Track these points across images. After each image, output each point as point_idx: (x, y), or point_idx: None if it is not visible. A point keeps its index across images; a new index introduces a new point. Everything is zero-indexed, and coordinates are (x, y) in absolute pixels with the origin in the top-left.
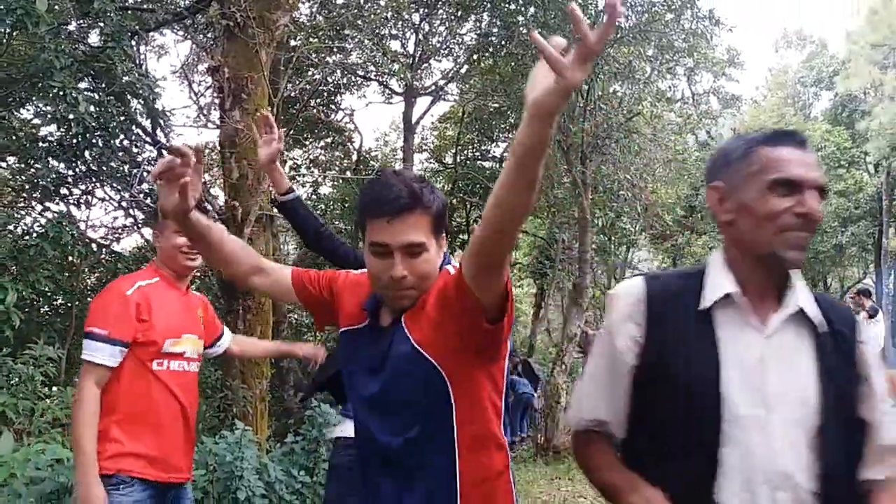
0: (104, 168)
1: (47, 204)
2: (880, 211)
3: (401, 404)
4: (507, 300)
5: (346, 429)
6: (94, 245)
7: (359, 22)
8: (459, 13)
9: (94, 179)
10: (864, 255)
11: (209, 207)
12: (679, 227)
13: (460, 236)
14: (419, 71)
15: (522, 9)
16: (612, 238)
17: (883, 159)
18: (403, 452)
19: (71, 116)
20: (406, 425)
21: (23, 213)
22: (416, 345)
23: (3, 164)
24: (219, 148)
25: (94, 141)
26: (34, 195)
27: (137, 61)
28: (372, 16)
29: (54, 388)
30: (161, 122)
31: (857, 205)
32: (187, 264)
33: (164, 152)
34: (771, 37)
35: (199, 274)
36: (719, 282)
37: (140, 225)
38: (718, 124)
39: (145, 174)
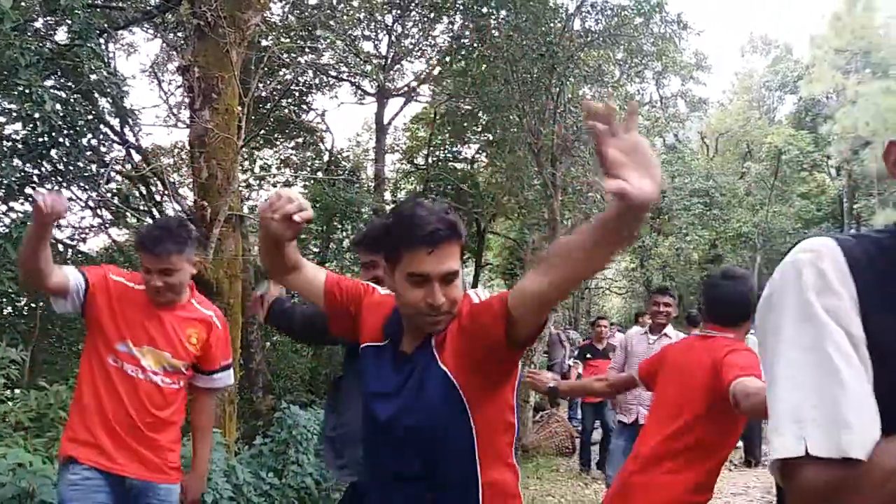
0: (71, 168)
1: (11, 204)
2: (842, 213)
3: (417, 430)
4: (539, 330)
5: None
6: (60, 245)
7: (331, 22)
8: (432, 15)
9: (60, 179)
10: None
11: (178, 207)
12: (646, 228)
13: None
14: (391, 72)
15: (494, 11)
16: None
17: (844, 163)
18: (421, 474)
19: (36, 115)
20: (420, 451)
21: None
22: (445, 370)
23: None
24: (188, 148)
25: (60, 140)
26: None
27: (106, 60)
28: (344, 16)
29: (17, 391)
30: (130, 121)
31: (820, 207)
32: (153, 297)
33: (133, 152)
34: (738, 41)
35: None
36: None
37: (107, 225)
38: (685, 127)
39: (113, 174)
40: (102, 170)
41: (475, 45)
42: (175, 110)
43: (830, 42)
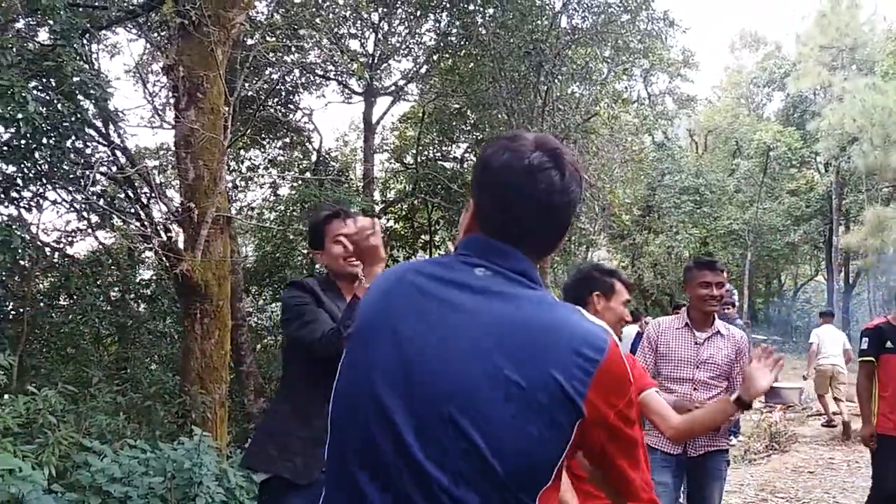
0: (56, 170)
1: None
2: (830, 209)
3: None
4: None
5: None
6: (46, 249)
7: (317, 21)
8: (418, 13)
9: (45, 181)
10: (815, 252)
11: (164, 209)
12: (636, 226)
13: (422, 237)
14: (379, 71)
15: (481, 9)
16: (572, 238)
17: (832, 159)
18: None
19: (20, 116)
20: None
21: None
22: None
23: None
24: (174, 149)
25: (44, 142)
26: None
27: (89, 60)
28: (330, 15)
29: (6, 397)
30: (114, 122)
31: (809, 203)
32: None
33: (119, 153)
34: (725, 38)
35: (154, 277)
36: None
37: (94, 228)
38: (674, 125)
39: (98, 176)
40: (87, 172)
41: (462, 42)
42: (160, 111)
43: (816, 39)
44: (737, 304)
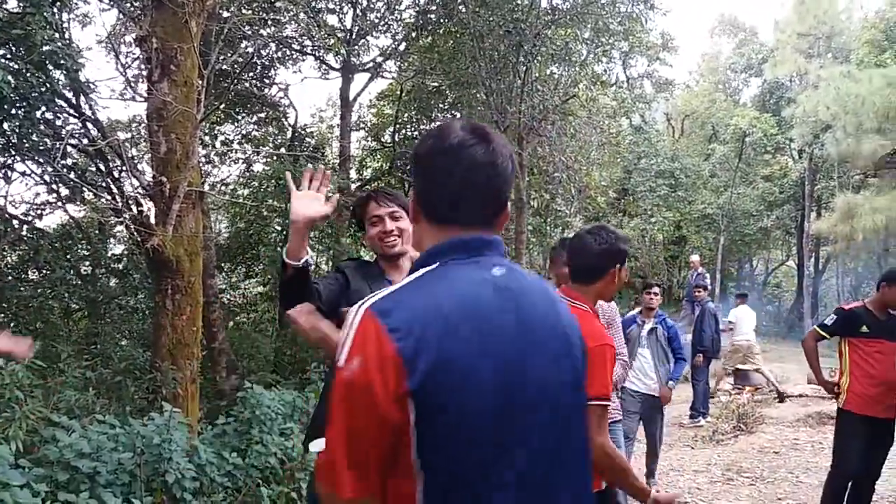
0: (25, 141)
1: None
2: (803, 195)
3: None
4: None
5: None
6: (14, 222)
7: None
8: None
9: (13, 153)
10: (787, 238)
11: (136, 182)
12: (612, 209)
13: None
14: (357, 47)
15: None
16: (548, 220)
17: (806, 146)
18: None
19: None
20: None
21: None
22: None
23: None
24: (146, 122)
25: (13, 112)
26: None
27: (60, 29)
28: None
29: None
30: (86, 94)
31: (782, 189)
32: None
33: (90, 125)
34: (703, 22)
35: (126, 251)
36: None
37: (64, 201)
38: (652, 108)
39: (69, 148)
40: (58, 143)
41: (442, 20)
42: (132, 83)
43: (794, 26)
44: (709, 287)
